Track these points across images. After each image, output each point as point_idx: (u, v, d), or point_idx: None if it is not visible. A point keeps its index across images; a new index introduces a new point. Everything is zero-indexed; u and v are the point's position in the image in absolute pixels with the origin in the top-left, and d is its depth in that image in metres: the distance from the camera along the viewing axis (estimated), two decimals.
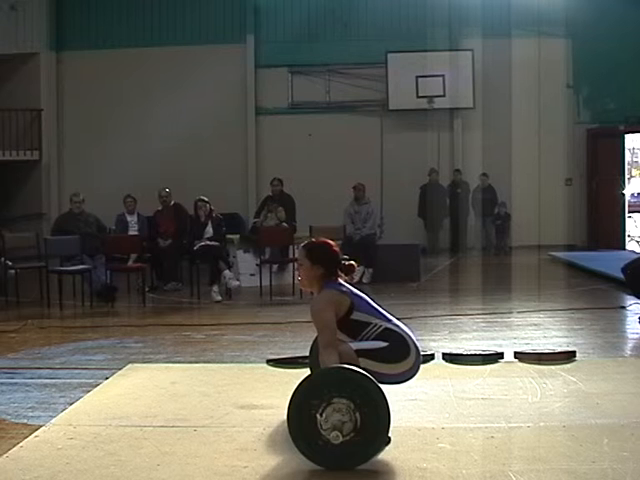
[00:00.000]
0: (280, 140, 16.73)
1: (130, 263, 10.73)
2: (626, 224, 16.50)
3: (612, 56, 16.14)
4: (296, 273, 4.31)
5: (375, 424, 3.75)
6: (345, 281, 4.28)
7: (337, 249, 4.37)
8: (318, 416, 3.74)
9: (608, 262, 11.61)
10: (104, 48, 17.07)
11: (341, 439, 3.71)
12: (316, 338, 4.37)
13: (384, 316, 4.24)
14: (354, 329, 4.15)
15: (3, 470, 3.81)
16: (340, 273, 4.27)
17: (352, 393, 3.74)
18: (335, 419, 3.72)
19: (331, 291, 4.19)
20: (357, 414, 3.73)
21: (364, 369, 3.89)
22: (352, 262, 4.31)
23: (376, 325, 4.17)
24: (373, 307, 4.25)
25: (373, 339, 4.14)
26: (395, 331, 4.20)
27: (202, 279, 10.46)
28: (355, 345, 4.09)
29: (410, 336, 4.23)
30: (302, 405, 3.77)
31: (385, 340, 4.13)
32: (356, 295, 4.24)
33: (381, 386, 3.82)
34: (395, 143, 16.19)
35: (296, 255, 4.15)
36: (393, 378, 4.15)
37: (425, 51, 16.04)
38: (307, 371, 5.74)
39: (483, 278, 11.76)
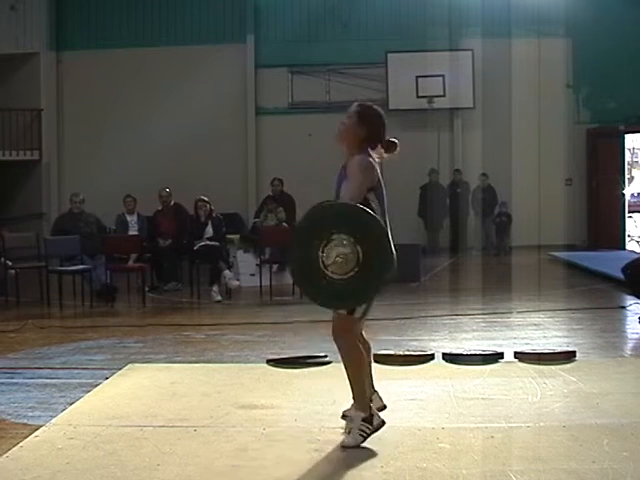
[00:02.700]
0: (280, 140, 16.73)
1: (130, 263, 10.73)
2: (626, 224, 16.48)
3: (612, 56, 16.14)
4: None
5: (378, 257, 3.74)
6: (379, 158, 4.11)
7: (385, 123, 4.23)
8: (320, 254, 3.72)
9: (608, 262, 11.61)
10: (104, 48, 17.07)
11: (345, 272, 3.69)
12: None
13: (386, 221, 4.10)
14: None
15: (3, 470, 3.81)
16: (381, 148, 4.13)
17: (351, 228, 3.72)
18: (337, 252, 3.70)
19: (372, 160, 4.07)
20: (358, 247, 3.72)
21: None
22: (394, 140, 4.20)
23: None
24: (384, 202, 4.12)
25: None
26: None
27: (202, 279, 10.46)
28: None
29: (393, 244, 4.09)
30: (303, 246, 3.75)
31: None
32: (380, 183, 4.13)
33: (381, 221, 3.81)
34: None
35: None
36: None
37: (425, 51, 16.05)
38: (307, 371, 5.76)
39: (483, 278, 11.75)
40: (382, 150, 4.13)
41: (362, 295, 3.80)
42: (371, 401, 4.22)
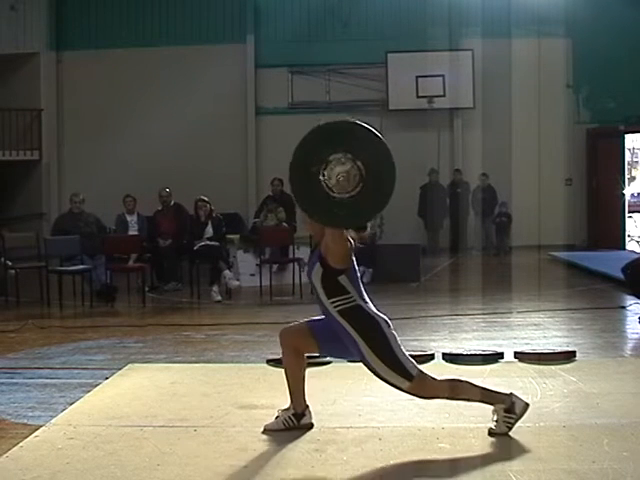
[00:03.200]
0: (280, 140, 16.68)
1: (130, 263, 10.73)
2: (626, 224, 16.49)
3: (612, 56, 16.14)
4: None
5: (380, 168, 3.77)
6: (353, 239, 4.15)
7: None
8: (321, 178, 3.74)
9: (608, 262, 11.61)
10: (104, 48, 17.07)
11: (352, 189, 3.73)
12: None
13: (361, 292, 4.16)
14: (331, 289, 4.08)
15: (3, 470, 3.81)
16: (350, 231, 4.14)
17: (346, 145, 3.74)
18: (337, 172, 3.72)
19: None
20: (358, 162, 3.74)
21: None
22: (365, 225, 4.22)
23: (351, 298, 4.08)
24: (358, 280, 4.18)
25: (340, 309, 4.08)
26: (365, 311, 4.11)
27: (202, 279, 10.46)
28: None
29: (379, 315, 4.13)
30: (303, 177, 3.77)
31: (352, 317, 4.07)
32: (353, 262, 4.16)
33: (374, 130, 3.83)
34: (395, 143, 15.95)
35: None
36: None
37: (425, 51, 16.05)
38: (307, 371, 5.75)
39: (483, 278, 11.75)
40: (351, 232, 4.11)
41: (376, 206, 3.86)
42: (304, 415, 4.32)
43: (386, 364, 4.04)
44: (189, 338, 7.52)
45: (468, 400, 4.23)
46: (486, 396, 4.19)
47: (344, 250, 4.03)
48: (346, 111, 16.45)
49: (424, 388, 4.12)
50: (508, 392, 4.22)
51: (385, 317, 4.15)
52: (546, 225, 16.00)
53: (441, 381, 4.18)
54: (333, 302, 4.09)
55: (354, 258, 4.17)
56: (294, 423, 4.30)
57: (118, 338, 7.53)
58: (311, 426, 4.33)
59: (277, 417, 4.35)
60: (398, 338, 4.12)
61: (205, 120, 16.67)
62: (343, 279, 4.08)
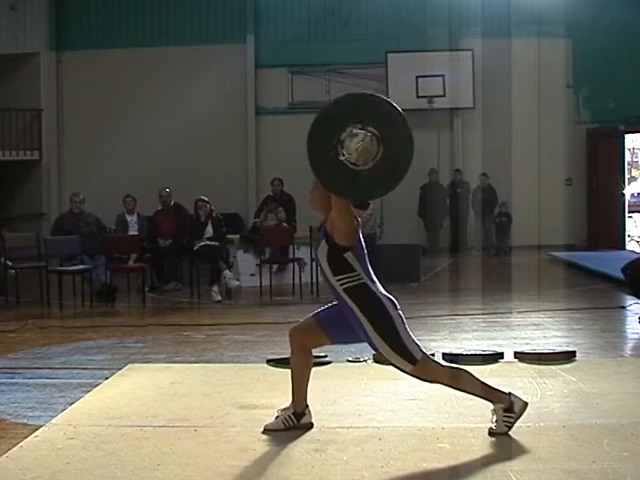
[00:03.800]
0: (280, 140, 16.71)
1: (130, 263, 10.73)
2: (626, 224, 16.49)
3: (612, 56, 16.14)
4: (308, 197, 4.25)
5: (396, 134, 3.81)
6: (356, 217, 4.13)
7: None
8: (340, 151, 3.76)
9: (608, 262, 11.61)
10: (104, 48, 17.07)
11: (371, 159, 3.75)
12: None
13: (368, 271, 4.16)
14: (338, 267, 4.08)
15: (3, 470, 3.81)
16: (354, 208, 4.10)
17: (361, 116, 3.77)
18: (354, 144, 3.74)
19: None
20: (373, 129, 3.76)
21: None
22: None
23: (358, 276, 4.08)
24: (365, 258, 4.17)
25: (346, 287, 4.08)
26: (371, 290, 4.10)
27: (202, 279, 10.46)
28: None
29: (384, 294, 4.13)
30: (321, 155, 3.81)
31: (358, 295, 4.07)
32: (360, 240, 4.15)
33: (388, 100, 3.87)
34: None
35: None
36: None
37: (425, 51, 16.05)
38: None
39: (483, 278, 11.75)
40: (355, 209, 4.09)
41: (399, 172, 3.85)
42: (304, 415, 4.32)
43: (390, 346, 4.04)
44: (189, 338, 7.52)
45: (467, 392, 4.22)
46: (486, 392, 4.19)
47: (350, 227, 4.02)
48: None
49: (427, 372, 4.13)
50: (507, 391, 4.22)
51: (392, 298, 4.14)
52: (546, 225, 16.00)
53: (445, 367, 4.22)
54: (339, 280, 4.08)
55: (361, 237, 4.15)
56: (294, 422, 4.31)
57: (118, 338, 7.53)
58: (311, 426, 4.33)
59: (277, 417, 4.36)
60: (405, 320, 4.11)
61: (205, 120, 16.67)
62: (349, 256, 4.07)
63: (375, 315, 4.06)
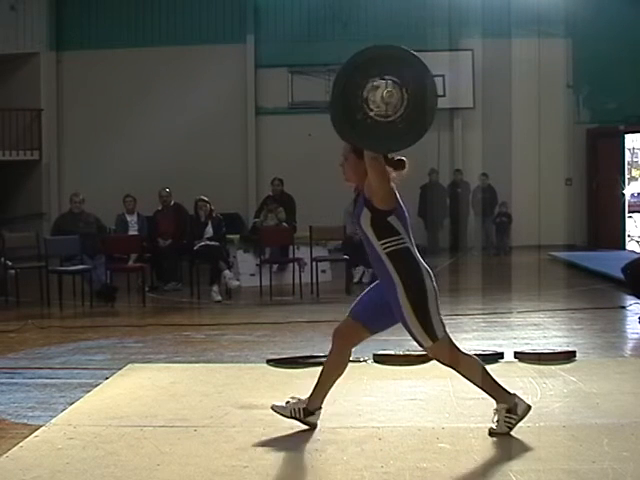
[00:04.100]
0: (280, 140, 16.73)
1: (130, 263, 10.73)
2: (626, 224, 16.50)
3: (612, 56, 16.15)
4: (340, 169, 4.20)
5: (415, 76, 3.79)
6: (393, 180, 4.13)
7: None
8: (367, 110, 3.75)
9: (608, 262, 11.61)
10: (104, 48, 17.08)
11: (394, 111, 3.75)
12: None
13: (411, 238, 4.14)
14: (382, 231, 4.05)
15: (3, 470, 3.81)
16: (389, 168, 4.09)
17: (376, 69, 3.76)
18: (379, 93, 3.73)
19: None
20: (392, 77, 3.75)
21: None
22: (402, 157, 4.19)
23: (402, 239, 4.07)
24: (408, 224, 4.15)
25: (390, 251, 4.06)
26: (413, 255, 4.09)
27: (202, 279, 10.46)
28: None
29: (424, 264, 4.11)
30: (350, 121, 3.78)
31: (400, 259, 4.06)
32: (399, 201, 4.14)
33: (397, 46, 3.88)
34: None
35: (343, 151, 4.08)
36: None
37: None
38: (307, 371, 5.76)
39: (483, 278, 11.75)
40: (391, 170, 4.09)
41: (426, 119, 3.87)
42: (312, 414, 4.31)
43: (416, 317, 4.02)
44: (189, 338, 7.52)
45: (475, 384, 4.21)
46: (494, 389, 4.19)
47: (388, 188, 4.01)
48: None
49: (443, 353, 4.13)
50: (512, 392, 4.22)
51: (429, 269, 4.12)
52: (546, 225, 16.00)
53: (462, 354, 4.18)
54: (383, 244, 4.05)
55: (401, 202, 4.13)
56: (300, 416, 4.30)
57: (118, 338, 7.53)
58: (314, 427, 4.32)
59: (287, 402, 4.36)
60: (438, 295, 4.09)
61: (205, 120, 16.67)
62: (393, 219, 4.05)
63: (411, 282, 4.03)
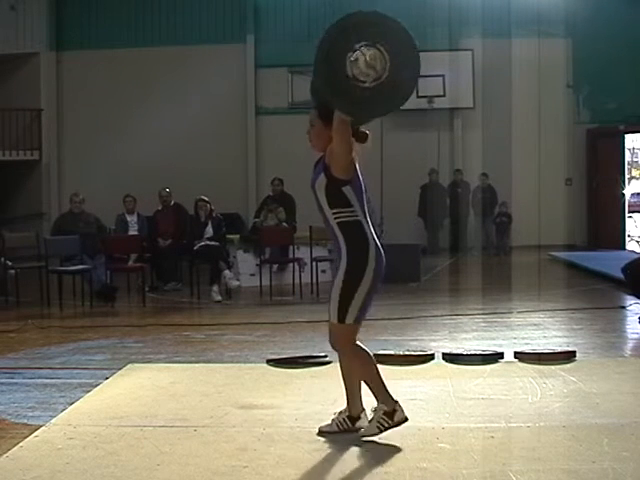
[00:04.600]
0: (280, 140, 16.73)
1: (130, 263, 10.74)
2: (626, 224, 16.51)
3: (612, 56, 16.15)
4: (306, 136, 4.20)
5: (403, 50, 3.81)
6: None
7: None
8: (347, 66, 3.76)
9: (608, 262, 11.61)
10: (104, 48, 17.09)
11: (377, 75, 3.76)
12: None
13: (365, 212, 4.14)
14: (335, 199, 4.05)
15: (3, 470, 3.81)
16: (353, 139, 4.07)
17: (367, 36, 3.79)
18: (363, 58, 3.75)
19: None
20: (379, 47, 3.77)
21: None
22: (366, 131, 4.17)
23: (354, 212, 4.07)
24: (363, 198, 4.14)
25: (341, 221, 4.07)
26: (364, 230, 4.08)
27: (202, 279, 10.46)
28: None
29: (375, 242, 4.10)
30: (330, 70, 3.79)
31: (350, 232, 4.06)
32: (358, 174, 4.13)
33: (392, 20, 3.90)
34: (395, 143, 16.18)
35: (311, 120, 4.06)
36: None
37: (425, 51, 15.93)
38: (307, 371, 5.76)
39: (483, 278, 11.76)
40: (353, 140, 4.07)
41: (406, 88, 3.88)
42: (359, 418, 4.25)
43: (341, 291, 4.01)
44: (189, 338, 7.52)
45: (363, 380, 4.16)
46: (379, 390, 4.13)
47: (349, 157, 4.01)
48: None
49: (341, 338, 4.09)
50: (396, 399, 4.17)
51: (380, 248, 4.09)
52: (546, 225, 16.01)
53: (359, 348, 4.12)
54: (335, 213, 4.06)
55: (360, 177, 4.13)
56: (348, 426, 4.23)
57: (118, 338, 7.53)
58: (405, 419, 4.17)
59: (332, 420, 4.28)
60: (378, 280, 4.04)
61: (205, 120, 16.69)
62: (348, 190, 4.05)
63: (354, 257, 4.03)
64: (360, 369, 4.16)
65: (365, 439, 4.10)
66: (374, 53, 3.76)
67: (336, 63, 3.78)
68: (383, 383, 4.17)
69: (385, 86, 3.79)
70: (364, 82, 3.78)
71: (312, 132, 4.18)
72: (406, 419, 4.13)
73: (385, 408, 4.11)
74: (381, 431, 4.09)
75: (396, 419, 4.10)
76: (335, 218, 4.07)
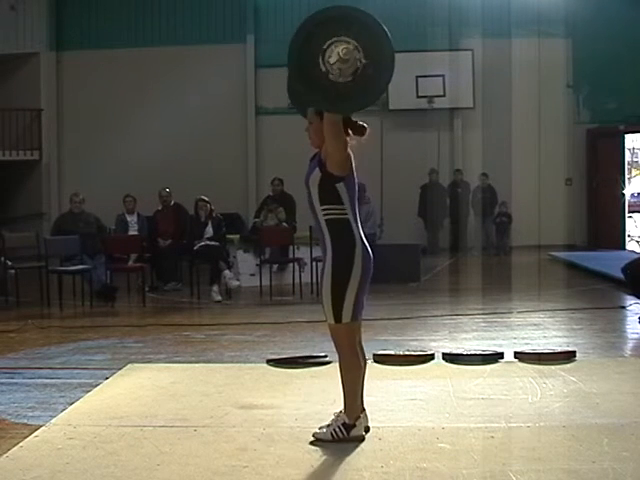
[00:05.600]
0: (280, 140, 16.72)
1: (130, 263, 10.73)
2: (626, 224, 16.52)
3: (612, 56, 16.14)
4: (306, 134, 4.23)
5: (377, 45, 3.80)
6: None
7: None
8: (320, 63, 3.76)
9: (608, 262, 11.61)
10: (104, 48, 17.08)
11: (351, 71, 3.75)
12: None
13: (355, 212, 4.14)
14: (327, 195, 4.06)
15: (3, 470, 3.81)
16: (350, 132, 4.11)
17: (340, 30, 3.77)
18: (336, 52, 3.73)
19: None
20: (353, 40, 3.75)
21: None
22: (364, 124, 4.17)
23: (344, 210, 4.07)
24: (354, 197, 4.15)
25: (329, 218, 4.07)
26: (351, 229, 4.07)
27: (202, 279, 10.46)
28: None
29: (362, 242, 4.09)
30: (304, 68, 3.80)
31: (338, 230, 4.06)
32: (353, 173, 4.14)
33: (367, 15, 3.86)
34: (395, 143, 16.18)
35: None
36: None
37: (425, 51, 16.04)
38: (307, 371, 5.77)
39: (483, 278, 11.76)
40: (350, 133, 4.09)
41: (380, 83, 3.87)
42: (354, 426, 4.21)
43: (332, 291, 4.01)
44: (189, 338, 7.52)
45: (342, 381, 4.14)
46: (352, 400, 4.12)
47: (343, 153, 4.02)
48: None
49: (340, 337, 4.08)
50: (363, 415, 4.15)
51: (369, 249, 4.09)
52: (546, 225, 16.01)
53: (356, 353, 4.13)
54: (324, 209, 4.07)
55: (355, 177, 4.13)
56: (344, 436, 4.12)
57: (118, 338, 7.53)
58: (367, 430, 4.20)
59: (327, 426, 4.23)
60: (367, 279, 4.05)
61: (205, 120, 16.68)
62: (341, 187, 4.06)
63: (341, 256, 4.03)
64: (346, 373, 4.14)
65: (318, 442, 4.08)
66: (347, 47, 3.74)
67: (310, 60, 3.78)
68: (360, 396, 4.18)
69: (360, 80, 3.77)
70: (338, 77, 3.76)
71: (310, 129, 4.20)
72: (363, 438, 4.11)
73: (346, 420, 4.10)
74: (334, 440, 4.07)
75: (352, 434, 4.09)
76: (324, 215, 4.08)
